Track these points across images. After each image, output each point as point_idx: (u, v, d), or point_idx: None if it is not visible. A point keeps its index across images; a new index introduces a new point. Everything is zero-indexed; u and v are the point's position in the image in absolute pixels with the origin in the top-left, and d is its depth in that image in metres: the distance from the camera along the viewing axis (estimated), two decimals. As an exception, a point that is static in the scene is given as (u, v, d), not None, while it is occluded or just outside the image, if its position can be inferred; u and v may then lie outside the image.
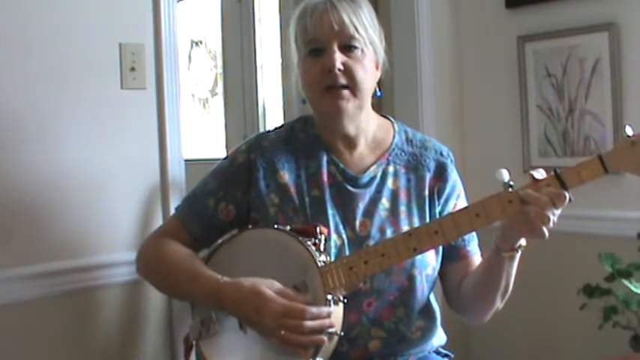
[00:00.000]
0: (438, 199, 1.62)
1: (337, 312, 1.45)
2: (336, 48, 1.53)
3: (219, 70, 4.76)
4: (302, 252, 1.46)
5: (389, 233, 1.56)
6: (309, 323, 1.39)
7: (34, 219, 1.78)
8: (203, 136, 4.98)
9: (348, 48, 1.54)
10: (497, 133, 2.54)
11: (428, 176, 1.62)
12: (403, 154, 1.64)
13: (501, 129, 2.53)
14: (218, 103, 4.85)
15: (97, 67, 1.88)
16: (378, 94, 1.63)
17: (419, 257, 1.53)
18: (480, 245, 1.65)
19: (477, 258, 1.63)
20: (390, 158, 1.63)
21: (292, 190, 1.59)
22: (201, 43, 5.09)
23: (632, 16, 2.19)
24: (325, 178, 1.60)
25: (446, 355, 1.69)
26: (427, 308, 1.61)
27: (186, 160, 2.04)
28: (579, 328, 2.22)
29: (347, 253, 1.53)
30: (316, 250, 1.47)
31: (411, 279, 1.54)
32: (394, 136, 1.66)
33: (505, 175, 1.39)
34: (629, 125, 1.38)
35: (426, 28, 2.55)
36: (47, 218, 1.80)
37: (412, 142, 1.66)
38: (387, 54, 1.63)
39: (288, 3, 3.71)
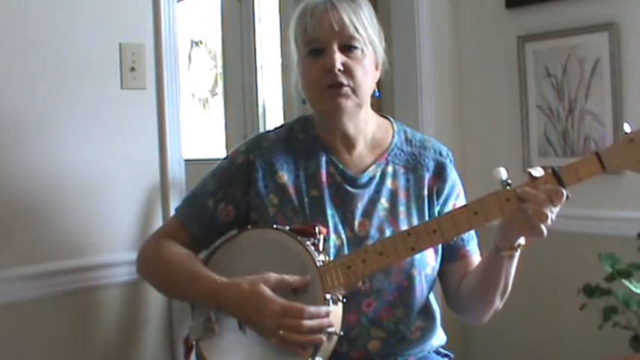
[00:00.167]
0: (437, 199, 1.62)
1: (336, 312, 1.45)
2: (336, 48, 1.53)
3: (219, 70, 4.76)
4: (301, 252, 1.46)
5: (388, 233, 1.56)
6: (308, 322, 1.40)
7: (34, 219, 1.78)
8: (203, 136, 4.98)
9: (347, 48, 1.54)
10: (497, 133, 2.54)
11: (427, 176, 1.62)
12: (402, 154, 1.64)
13: (501, 129, 2.53)
14: (218, 103, 4.85)
15: (97, 67, 1.88)
16: (377, 94, 1.63)
17: (418, 257, 1.54)
18: (479, 245, 1.65)
19: (476, 257, 1.63)
20: (389, 158, 1.63)
21: (291, 190, 1.59)
22: (201, 43, 5.09)
23: (632, 16, 2.19)
24: (324, 178, 1.60)
25: (446, 355, 1.69)
26: (427, 308, 1.61)
27: (186, 160, 2.04)
28: (579, 328, 2.22)
29: (346, 253, 1.53)
30: (315, 250, 1.47)
31: (410, 279, 1.54)
32: (393, 136, 1.66)
33: (503, 173, 1.39)
34: (627, 122, 1.38)
35: (426, 28, 2.55)
36: (47, 218, 1.80)
37: (411, 142, 1.66)
38: (386, 54, 1.63)
39: (288, 3, 3.72)
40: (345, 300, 1.46)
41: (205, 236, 1.64)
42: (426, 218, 1.60)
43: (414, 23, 2.54)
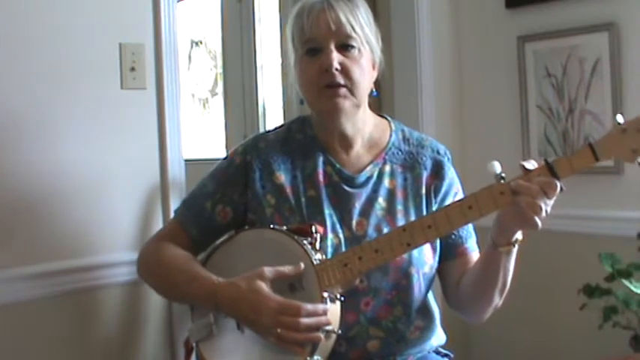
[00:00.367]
0: (435, 197, 1.62)
1: (334, 310, 1.45)
2: (333, 47, 1.53)
3: (219, 70, 4.76)
4: (298, 251, 1.46)
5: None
6: (305, 320, 1.40)
7: (34, 219, 1.78)
8: (203, 136, 4.99)
9: (345, 47, 1.54)
10: (497, 133, 2.54)
11: (424, 174, 1.62)
12: (400, 153, 1.64)
13: (501, 129, 2.53)
14: (218, 103, 4.85)
15: (97, 67, 1.88)
16: (375, 93, 1.63)
17: (416, 255, 1.54)
18: (478, 243, 1.65)
19: (475, 255, 1.63)
20: (387, 157, 1.63)
21: (288, 190, 1.59)
22: (201, 43, 5.09)
23: (632, 16, 2.19)
24: (321, 178, 1.60)
25: (445, 355, 1.69)
26: (425, 307, 1.61)
27: (186, 160, 2.04)
28: (579, 328, 2.22)
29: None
30: (312, 248, 1.47)
31: (407, 277, 1.54)
32: (391, 135, 1.66)
33: (497, 167, 1.39)
34: (620, 114, 1.38)
35: (426, 28, 2.55)
36: (47, 218, 1.80)
37: (409, 141, 1.66)
38: (383, 54, 1.63)
39: (288, 3, 3.71)
40: (342, 298, 1.46)
41: (204, 238, 1.64)
42: None
43: (414, 23, 2.54)
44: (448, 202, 1.62)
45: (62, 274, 1.80)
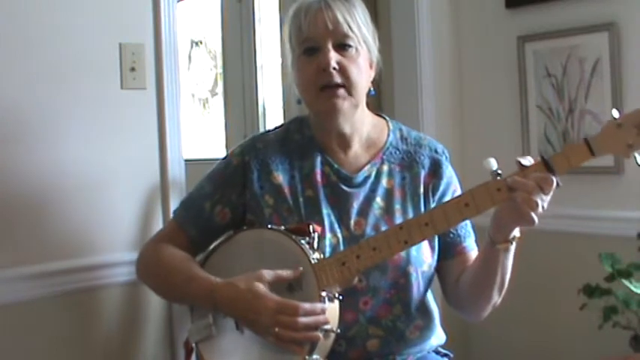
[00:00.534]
0: (433, 196, 1.62)
1: (333, 309, 1.45)
2: (330, 47, 1.53)
3: (219, 70, 4.76)
4: (295, 250, 1.47)
5: None
6: (303, 319, 1.40)
7: (34, 219, 1.78)
8: (203, 136, 4.99)
9: (342, 47, 1.54)
10: (497, 133, 2.54)
11: (422, 173, 1.62)
12: (397, 152, 1.64)
13: (501, 129, 2.53)
14: (218, 103, 4.85)
15: (97, 67, 1.88)
16: (372, 92, 1.63)
17: (414, 254, 1.54)
18: (476, 242, 1.65)
19: (473, 254, 1.63)
20: (385, 157, 1.63)
21: (286, 190, 1.60)
22: (201, 43, 5.09)
23: (632, 16, 2.19)
24: (319, 178, 1.60)
25: (445, 355, 1.69)
26: (424, 307, 1.61)
27: (186, 160, 2.04)
28: (579, 328, 2.22)
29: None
30: (310, 248, 1.47)
31: (406, 276, 1.54)
32: (388, 135, 1.66)
33: (493, 163, 1.39)
34: (616, 109, 1.38)
35: (426, 28, 2.55)
36: (47, 218, 1.80)
37: (407, 141, 1.67)
38: (382, 53, 1.63)
39: (288, 3, 3.70)
40: (341, 297, 1.46)
41: (202, 238, 1.64)
42: None
43: (414, 23, 2.54)
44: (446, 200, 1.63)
45: (62, 274, 1.80)
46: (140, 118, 1.95)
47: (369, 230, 1.56)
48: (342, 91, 1.54)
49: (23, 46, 1.77)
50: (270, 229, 1.52)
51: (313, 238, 1.49)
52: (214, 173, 1.67)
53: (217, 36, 4.61)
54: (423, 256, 1.57)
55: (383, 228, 1.56)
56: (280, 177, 1.61)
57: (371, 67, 1.61)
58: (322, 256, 1.49)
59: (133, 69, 1.92)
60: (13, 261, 1.74)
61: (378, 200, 1.59)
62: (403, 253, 1.52)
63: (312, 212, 1.57)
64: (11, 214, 1.75)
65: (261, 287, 1.44)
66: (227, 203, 1.63)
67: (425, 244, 1.57)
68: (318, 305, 1.42)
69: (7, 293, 1.72)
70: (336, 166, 1.61)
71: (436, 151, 1.66)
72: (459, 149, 2.55)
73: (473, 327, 2.56)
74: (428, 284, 1.61)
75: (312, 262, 1.45)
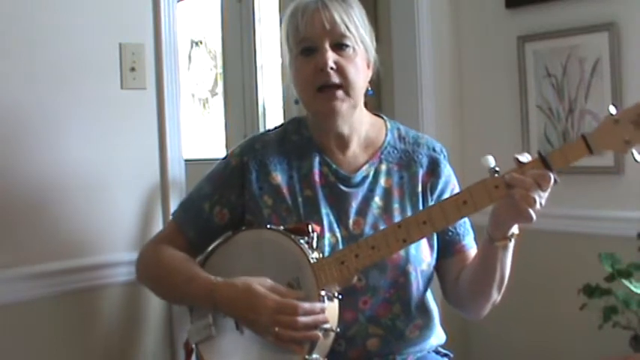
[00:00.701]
0: (431, 195, 1.62)
1: (332, 308, 1.45)
2: (327, 47, 1.54)
3: (219, 70, 4.77)
4: (294, 250, 1.47)
5: None
6: (302, 319, 1.40)
7: (34, 219, 1.78)
8: (203, 136, 4.99)
9: (339, 47, 1.55)
10: (497, 133, 2.54)
11: (420, 172, 1.63)
12: (395, 151, 1.65)
13: (501, 129, 2.53)
14: (218, 103, 4.85)
15: (97, 67, 1.88)
16: (370, 92, 1.63)
17: (413, 253, 1.54)
18: (475, 240, 1.65)
19: (472, 252, 1.63)
20: (382, 156, 1.63)
21: (285, 190, 1.60)
22: (201, 43, 5.09)
23: (632, 16, 2.19)
24: (317, 178, 1.60)
25: (445, 355, 1.69)
26: (424, 306, 1.61)
27: (186, 160, 2.05)
28: (579, 328, 2.22)
29: None
30: (309, 247, 1.47)
31: (405, 275, 1.54)
32: (386, 135, 1.66)
33: (490, 161, 1.39)
34: (613, 105, 1.38)
35: (426, 28, 2.55)
36: (47, 218, 1.80)
37: (405, 140, 1.67)
38: (380, 53, 1.63)
39: (288, 3, 3.70)
40: (340, 296, 1.46)
41: (201, 240, 1.65)
42: None
43: (414, 23, 2.55)
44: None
45: (62, 274, 1.80)
46: (140, 118, 1.95)
47: (367, 230, 1.56)
48: (340, 93, 1.54)
49: (23, 46, 1.76)
50: (269, 229, 1.53)
51: (312, 238, 1.49)
52: (213, 174, 1.67)
53: (217, 36, 4.61)
54: (422, 255, 1.57)
55: (381, 227, 1.56)
56: (279, 177, 1.61)
57: (368, 66, 1.61)
58: (321, 255, 1.49)
59: (133, 69, 1.92)
60: (13, 261, 1.74)
61: (377, 200, 1.59)
62: (402, 252, 1.52)
63: (311, 212, 1.57)
64: (11, 214, 1.75)
65: (259, 287, 1.44)
66: (226, 204, 1.63)
67: (424, 242, 1.57)
68: (318, 304, 1.42)
69: (7, 293, 1.72)
70: (334, 166, 1.61)
71: (434, 150, 1.66)
72: (458, 149, 2.55)
73: (473, 327, 2.57)
74: (427, 283, 1.61)
75: (311, 261, 1.45)
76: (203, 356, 1.51)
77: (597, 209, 2.26)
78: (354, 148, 1.63)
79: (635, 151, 1.32)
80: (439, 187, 1.63)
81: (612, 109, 1.34)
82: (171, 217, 1.75)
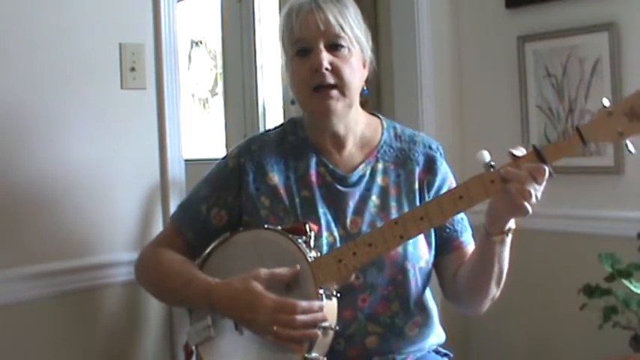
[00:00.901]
0: (428, 192, 1.63)
1: (331, 306, 1.45)
2: (322, 47, 1.54)
3: (219, 70, 4.77)
4: (292, 249, 1.47)
5: None
6: (301, 317, 1.40)
7: (34, 219, 1.78)
8: (203, 136, 4.99)
9: (334, 47, 1.55)
10: (497, 133, 2.54)
11: (417, 170, 1.63)
12: (392, 150, 1.65)
13: (501, 129, 2.53)
14: (218, 103, 4.85)
15: (97, 68, 1.88)
16: (366, 92, 1.63)
17: (411, 250, 1.54)
18: (473, 236, 1.65)
19: (470, 249, 1.63)
20: (379, 155, 1.64)
21: (282, 191, 1.60)
22: (201, 43, 5.09)
23: (632, 16, 2.19)
24: (314, 179, 1.61)
25: (445, 355, 1.69)
26: (423, 303, 1.61)
27: (186, 160, 2.05)
28: (579, 328, 2.22)
29: None
30: (307, 247, 1.48)
31: (404, 272, 1.55)
32: (382, 133, 1.67)
33: (486, 155, 1.39)
34: (607, 98, 1.38)
35: (426, 28, 2.55)
36: (47, 218, 1.80)
37: (401, 138, 1.67)
38: (377, 53, 1.64)
39: (287, 3, 3.71)
40: (339, 295, 1.46)
41: (199, 241, 1.65)
42: None
43: (414, 23, 2.55)
44: None
45: (62, 274, 1.80)
46: (140, 118, 1.95)
47: (365, 228, 1.57)
48: (335, 92, 1.54)
49: (23, 46, 1.76)
50: (266, 229, 1.53)
51: (310, 237, 1.49)
52: (211, 176, 1.68)
53: (217, 36, 4.61)
54: (420, 252, 1.57)
55: (379, 225, 1.56)
56: (276, 178, 1.61)
57: (364, 66, 1.62)
58: (319, 254, 1.49)
59: (133, 69, 1.92)
60: (14, 261, 1.74)
61: (374, 198, 1.60)
62: (400, 250, 1.52)
63: (309, 212, 1.57)
64: (11, 214, 1.75)
65: (258, 286, 1.44)
66: (223, 206, 1.63)
67: (422, 240, 1.57)
68: (316, 303, 1.42)
69: (7, 293, 1.72)
70: (330, 166, 1.62)
71: (430, 148, 1.66)
72: (458, 149, 2.55)
73: (473, 327, 2.57)
74: (426, 281, 1.61)
75: (309, 260, 1.45)
76: (203, 358, 1.51)
77: (597, 209, 2.26)
78: (350, 147, 1.64)
79: (629, 142, 1.33)
80: (436, 185, 1.63)
81: (606, 102, 1.35)
82: (170, 218, 1.75)
